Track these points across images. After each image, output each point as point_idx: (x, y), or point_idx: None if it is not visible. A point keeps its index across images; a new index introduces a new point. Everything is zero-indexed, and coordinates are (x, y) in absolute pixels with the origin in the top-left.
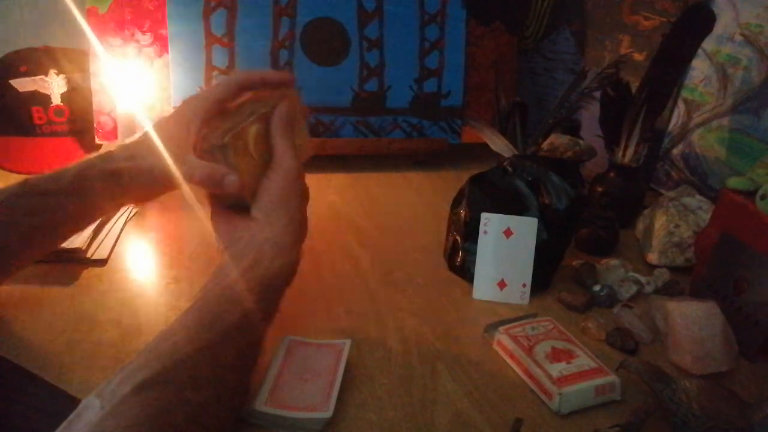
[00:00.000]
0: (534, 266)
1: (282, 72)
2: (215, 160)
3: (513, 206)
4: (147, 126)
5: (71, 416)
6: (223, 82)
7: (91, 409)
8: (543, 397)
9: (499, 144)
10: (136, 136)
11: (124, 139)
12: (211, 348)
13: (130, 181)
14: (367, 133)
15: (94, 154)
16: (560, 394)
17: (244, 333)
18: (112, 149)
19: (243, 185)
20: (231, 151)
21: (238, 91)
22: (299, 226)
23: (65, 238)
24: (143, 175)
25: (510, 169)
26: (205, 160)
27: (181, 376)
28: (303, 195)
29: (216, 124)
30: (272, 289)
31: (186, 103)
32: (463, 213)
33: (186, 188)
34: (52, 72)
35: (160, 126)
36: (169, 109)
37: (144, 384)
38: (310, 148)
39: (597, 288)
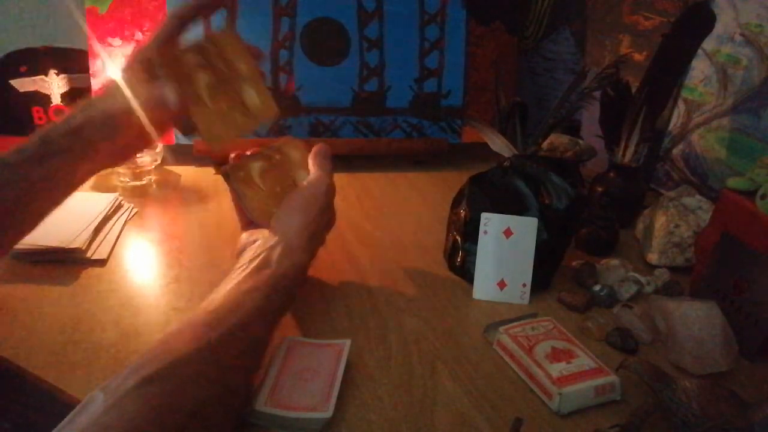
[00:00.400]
0: (534, 266)
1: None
2: (234, 180)
3: (513, 206)
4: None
5: (75, 409)
6: (161, 24)
7: (94, 402)
8: (543, 397)
9: (499, 144)
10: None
11: None
12: (214, 347)
13: (92, 136)
14: (367, 133)
15: (54, 120)
16: (560, 394)
17: (249, 333)
18: (71, 110)
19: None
20: (233, 179)
21: (178, 25)
22: (313, 235)
23: (45, 213)
24: (104, 124)
25: (510, 169)
26: (228, 180)
27: (184, 373)
28: (327, 211)
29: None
30: (281, 289)
31: (133, 51)
32: (463, 213)
33: (146, 122)
34: (52, 72)
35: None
36: None
37: (147, 379)
38: (269, 101)
39: (597, 288)
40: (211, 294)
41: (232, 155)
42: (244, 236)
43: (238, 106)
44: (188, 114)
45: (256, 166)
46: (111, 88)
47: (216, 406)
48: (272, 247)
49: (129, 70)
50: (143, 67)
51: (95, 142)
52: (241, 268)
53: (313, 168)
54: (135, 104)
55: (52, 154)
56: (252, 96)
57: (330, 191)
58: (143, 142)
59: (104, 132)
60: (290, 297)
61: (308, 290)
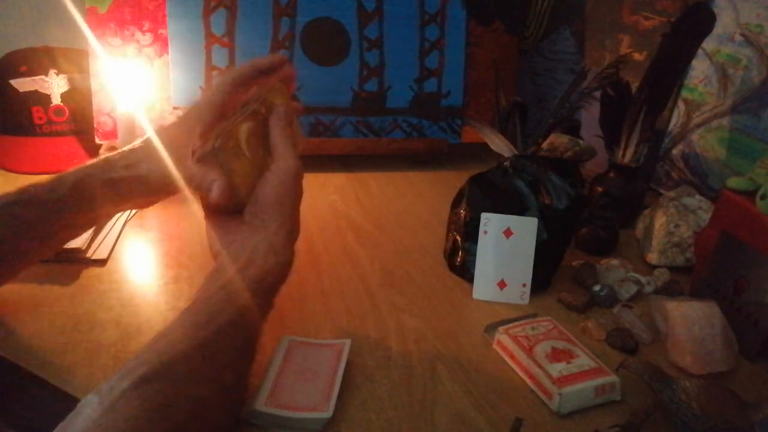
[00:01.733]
0: (534, 266)
1: (273, 55)
2: (210, 164)
3: (513, 206)
4: (148, 132)
5: (71, 414)
6: (216, 82)
7: (89, 405)
8: (543, 397)
9: (499, 144)
10: (136, 143)
11: (124, 142)
12: (207, 345)
13: (128, 191)
14: (367, 133)
15: (91, 162)
16: (560, 394)
17: (240, 330)
18: (110, 156)
19: (229, 192)
20: (223, 154)
21: (233, 89)
22: (293, 227)
23: (61, 245)
24: (142, 184)
25: (510, 169)
26: (201, 163)
27: (179, 372)
28: (298, 196)
29: (211, 130)
30: (266, 286)
31: (187, 110)
32: (463, 213)
33: (187, 194)
34: (52, 72)
35: (162, 133)
36: (169, 109)
37: (142, 379)
38: (302, 143)
39: (597, 288)
40: (195, 295)
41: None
42: (215, 235)
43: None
44: (229, 173)
45: (244, 130)
46: (156, 150)
47: (213, 404)
48: (255, 247)
49: (181, 140)
50: (203, 162)
51: (132, 196)
52: (224, 269)
53: (275, 138)
54: (179, 180)
55: (85, 199)
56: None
57: (297, 174)
58: (174, 194)
59: (141, 191)
60: (275, 293)
61: (308, 290)
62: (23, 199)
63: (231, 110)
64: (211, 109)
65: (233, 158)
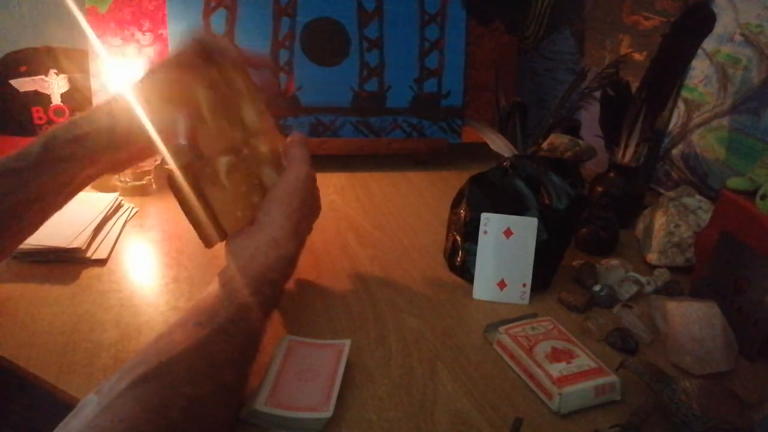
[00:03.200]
0: (534, 266)
1: (262, 56)
2: (182, 185)
3: (513, 206)
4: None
5: (70, 414)
6: (185, 41)
7: (88, 405)
8: (543, 397)
9: (499, 144)
10: (99, 102)
11: None
12: (206, 344)
13: (95, 146)
14: (367, 133)
15: (56, 125)
16: (560, 394)
17: (241, 328)
18: (74, 117)
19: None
20: (201, 176)
21: (199, 50)
22: (297, 225)
23: (44, 218)
24: (107, 136)
25: (510, 169)
26: (172, 187)
27: (177, 371)
28: (309, 200)
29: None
30: (268, 283)
31: (152, 69)
32: (463, 213)
33: (158, 145)
34: (52, 72)
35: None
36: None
37: (140, 379)
38: (266, 121)
39: (597, 288)
40: (201, 293)
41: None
42: (229, 239)
43: (257, 187)
44: (205, 198)
45: (223, 162)
46: (119, 101)
47: (211, 403)
48: (257, 243)
49: (144, 84)
50: (158, 87)
51: (98, 151)
52: (227, 266)
53: (288, 160)
54: (145, 123)
55: (54, 161)
56: (271, 175)
57: (309, 179)
58: (147, 154)
59: (108, 144)
60: (279, 289)
61: (308, 290)
62: None
63: (207, 138)
64: (177, 67)
65: (209, 184)
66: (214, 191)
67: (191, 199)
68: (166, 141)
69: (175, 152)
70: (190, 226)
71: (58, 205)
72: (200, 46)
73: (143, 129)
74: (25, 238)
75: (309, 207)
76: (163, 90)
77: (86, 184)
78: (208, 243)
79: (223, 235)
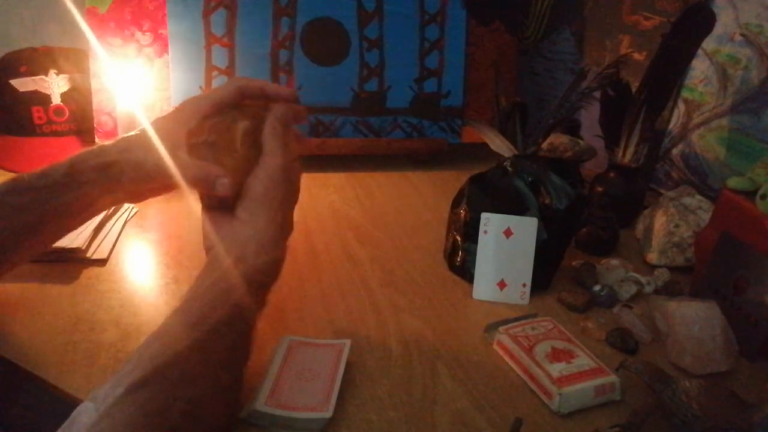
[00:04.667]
0: (534, 266)
1: (285, 88)
2: (202, 156)
3: (513, 206)
4: (144, 122)
5: (65, 423)
6: (226, 84)
7: (85, 413)
8: (543, 397)
9: (499, 144)
10: (131, 132)
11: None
12: (200, 345)
13: (121, 175)
14: (367, 133)
15: (86, 149)
16: (560, 394)
17: (233, 328)
18: (104, 143)
19: (231, 188)
20: (217, 148)
21: (239, 95)
22: (282, 224)
23: (58, 237)
24: (135, 169)
25: (510, 169)
26: (193, 155)
27: (173, 374)
28: (288, 193)
29: (206, 122)
30: (257, 284)
31: (186, 102)
32: (463, 213)
33: (181, 184)
34: (52, 72)
35: (158, 123)
36: (169, 109)
37: (137, 384)
38: (298, 145)
39: (597, 288)
40: (187, 293)
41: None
42: (209, 229)
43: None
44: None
45: (241, 128)
46: (151, 138)
47: (208, 404)
48: (244, 243)
49: (176, 131)
50: (194, 151)
51: (123, 181)
52: (216, 265)
53: (266, 137)
54: (178, 176)
55: (78, 185)
56: None
57: (285, 168)
58: (172, 189)
59: (135, 176)
60: (267, 290)
61: (308, 290)
62: (16, 187)
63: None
64: (210, 106)
65: (225, 154)
66: (227, 160)
67: None
68: (196, 185)
69: (206, 201)
70: (190, 226)
71: (73, 226)
72: (240, 92)
73: (172, 167)
74: (36, 254)
75: (289, 200)
76: (205, 150)
77: (105, 209)
78: None
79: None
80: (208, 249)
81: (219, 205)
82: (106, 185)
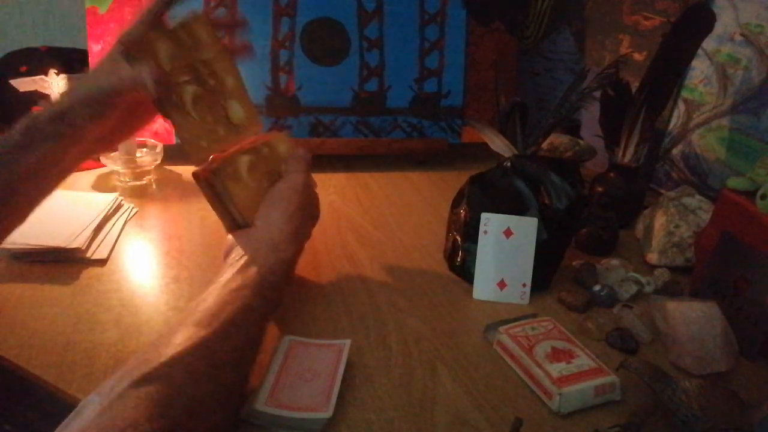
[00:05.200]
0: (534, 266)
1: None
2: (208, 187)
3: (513, 206)
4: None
5: (71, 414)
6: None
7: (90, 406)
8: (543, 397)
9: (499, 144)
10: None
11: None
12: (207, 345)
13: (76, 117)
14: (367, 133)
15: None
16: (560, 394)
17: (241, 330)
18: (55, 97)
19: (160, 78)
20: (222, 175)
21: (152, 16)
22: (296, 229)
23: (35, 202)
24: (88, 104)
25: (510, 169)
26: (202, 189)
27: (178, 371)
28: (307, 205)
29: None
30: (268, 285)
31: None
32: (463, 213)
33: (127, 94)
34: (52, 72)
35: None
36: None
37: (141, 379)
38: (254, 116)
39: (597, 288)
40: (201, 294)
41: (211, 157)
42: (231, 237)
43: (222, 119)
44: (171, 120)
45: (244, 161)
46: (94, 70)
47: (211, 404)
48: (257, 245)
49: (112, 51)
50: (126, 48)
51: (81, 125)
52: (229, 267)
53: (286, 168)
54: (117, 83)
55: (38, 141)
56: (237, 110)
57: (306, 186)
58: (130, 126)
59: (89, 113)
60: (278, 292)
61: (308, 290)
62: None
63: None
64: (140, 25)
65: (231, 181)
66: (235, 188)
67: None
68: (142, 97)
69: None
70: (190, 226)
71: (45, 190)
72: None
73: (123, 83)
74: (15, 226)
75: (307, 212)
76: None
77: (76, 165)
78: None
79: (235, 226)
80: (225, 255)
81: (236, 228)
82: (68, 134)
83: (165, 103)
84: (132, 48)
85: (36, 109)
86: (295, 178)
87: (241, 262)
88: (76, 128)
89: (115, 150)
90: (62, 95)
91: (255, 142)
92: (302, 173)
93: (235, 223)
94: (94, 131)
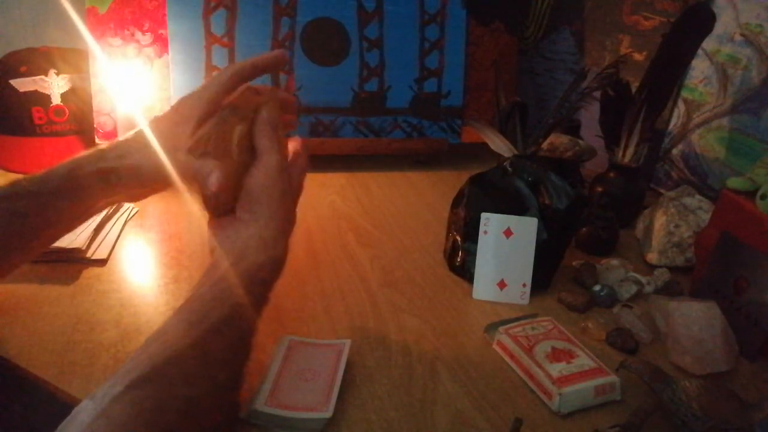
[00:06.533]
0: (534, 266)
1: (273, 53)
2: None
3: (513, 206)
4: (141, 124)
5: (65, 420)
6: (217, 77)
7: (84, 411)
8: (543, 397)
9: (499, 144)
10: (129, 135)
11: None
12: (200, 344)
13: (120, 181)
14: (367, 133)
15: (83, 153)
16: (560, 394)
17: (233, 327)
18: (102, 147)
19: (225, 182)
20: (214, 155)
21: (233, 84)
22: (283, 220)
23: (56, 238)
24: (134, 175)
25: (510, 169)
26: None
27: (172, 373)
28: (288, 189)
29: (203, 131)
30: (259, 282)
31: (181, 101)
32: (463, 213)
33: (180, 187)
34: (52, 72)
35: (155, 125)
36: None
37: (135, 383)
38: (286, 149)
39: (597, 288)
40: (191, 293)
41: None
42: (212, 232)
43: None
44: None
45: (237, 132)
46: (149, 142)
47: (207, 404)
48: (246, 242)
49: (174, 132)
50: (192, 138)
51: (122, 186)
52: (216, 266)
53: (259, 139)
54: (172, 172)
55: (77, 190)
56: None
57: (281, 165)
58: (168, 188)
59: (133, 182)
60: (269, 288)
61: (308, 290)
62: (14, 191)
63: (221, 111)
64: (206, 103)
65: (221, 160)
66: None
67: None
68: (196, 189)
69: (207, 204)
70: (190, 226)
71: (71, 228)
72: (238, 77)
73: (171, 169)
74: (33, 257)
75: (288, 194)
76: (201, 146)
77: (103, 209)
78: None
79: (228, 205)
80: (211, 251)
81: (218, 211)
82: (105, 190)
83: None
84: (207, 146)
85: (49, 120)
86: (267, 161)
87: (231, 258)
88: (114, 187)
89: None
90: (111, 150)
91: (245, 106)
92: (273, 154)
93: (218, 205)
94: (133, 192)
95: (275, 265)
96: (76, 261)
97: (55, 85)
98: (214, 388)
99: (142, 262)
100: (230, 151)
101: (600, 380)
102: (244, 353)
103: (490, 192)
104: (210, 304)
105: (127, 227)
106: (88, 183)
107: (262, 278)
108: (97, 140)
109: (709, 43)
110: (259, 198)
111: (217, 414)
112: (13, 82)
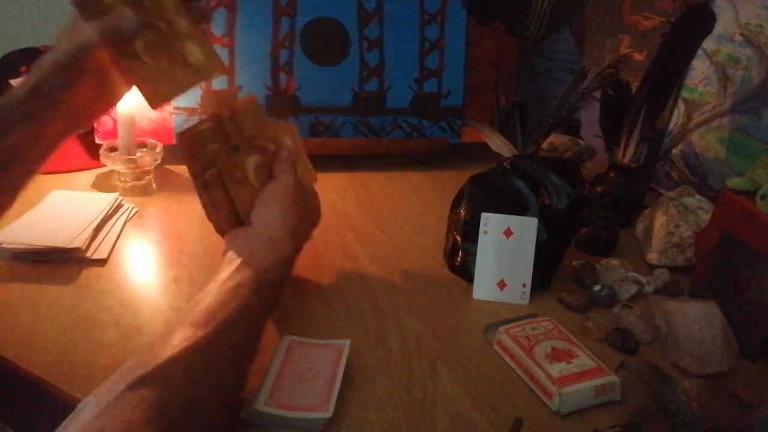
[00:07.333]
0: (534, 266)
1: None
2: (217, 191)
3: (513, 206)
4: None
5: (69, 417)
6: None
7: (87, 408)
8: (543, 397)
9: (499, 144)
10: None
11: (124, 142)
12: (205, 344)
13: (48, 90)
14: (367, 133)
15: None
16: (560, 394)
17: (239, 329)
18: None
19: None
20: (228, 181)
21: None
22: (293, 225)
23: (17, 187)
24: (55, 73)
25: (510, 169)
26: (202, 195)
27: (176, 372)
28: (300, 202)
29: (209, 156)
30: (267, 283)
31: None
32: (463, 213)
33: (90, 43)
34: None
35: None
36: (168, 109)
37: (139, 381)
38: (312, 178)
39: (597, 288)
40: (199, 294)
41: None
42: (227, 238)
43: (180, 63)
44: (128, 72)
45: (252, 162)
46: (57, 40)
47: (210, 404)
48: (255, 243)
49: (71, 17)
50: (203, 191)
51: (54, 97)
52: (227, 266)
53: (278, 164)
54: (80, 40)
55: (15, 122)
56: (195, 52)
57: (297, 184)
58: (104, 97)
59: (62, 82)
60: (277, 291)
61: (308, 290)
62: None
63: (237, 143)
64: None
65: (239, 186)
66: (241, 191)
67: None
68: (109, 37)
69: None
70: (190, 226)
71: (30, 172)
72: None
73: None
74: (2, 211)
75: (302, 209)
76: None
77: (58, 145)
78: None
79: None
80: (223, 254)
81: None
82: (43, 111)
83: (121, 53)
84: (85, 3)
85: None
86: (285, 178)
87: (239, 260)
88: (49, 103)
89: (93, 126)
90: (31, 72)
91: (260, 139)
92: (290, 173)
93: (239, 223)
94: (70, 102)
95: (283, 265)
96: (76, 261)
97: None
98: (218, 389)
99: (142, 262)
100: (248, 179)
101: (600, 380)
102: (249, 355)
103: (490, 192)
104: (216, 305)
105: (127, 227)
106: (22, 110)
107: (270, 280)
108: (97, 140)
109: (709, 43)
110: (271, 204)
111: (219, 414)
112: (13, 82)
